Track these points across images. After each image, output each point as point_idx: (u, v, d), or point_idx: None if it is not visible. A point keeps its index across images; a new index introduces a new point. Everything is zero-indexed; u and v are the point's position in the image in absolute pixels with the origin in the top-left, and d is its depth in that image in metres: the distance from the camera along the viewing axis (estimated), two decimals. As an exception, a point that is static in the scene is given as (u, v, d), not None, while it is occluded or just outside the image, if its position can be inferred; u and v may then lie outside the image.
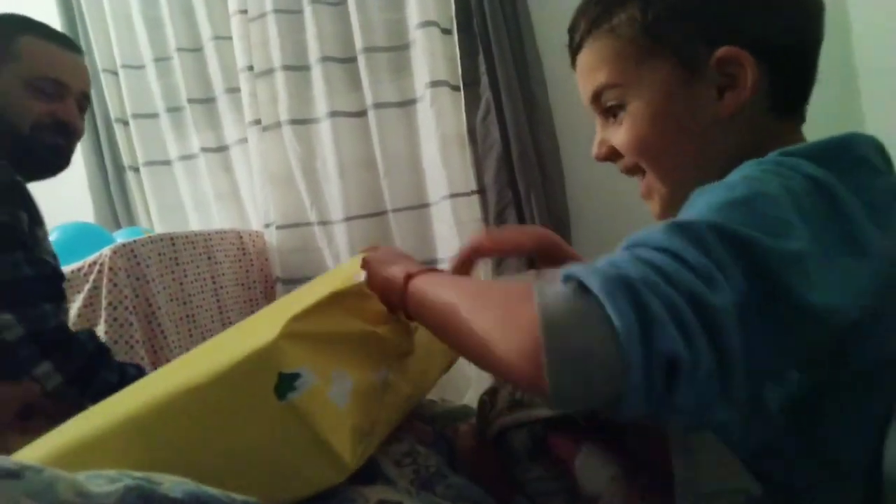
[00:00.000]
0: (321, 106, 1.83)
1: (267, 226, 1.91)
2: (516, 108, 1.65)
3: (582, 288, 0.35)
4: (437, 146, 1.73)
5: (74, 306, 1.43)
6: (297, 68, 1.85)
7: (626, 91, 0.59)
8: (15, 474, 0.30)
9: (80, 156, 2.17)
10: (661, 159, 0.59)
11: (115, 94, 2.11)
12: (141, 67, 2.09)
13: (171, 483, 0.33)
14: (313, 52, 1.81)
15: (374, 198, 1.84)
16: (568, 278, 0.37)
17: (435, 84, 1.71)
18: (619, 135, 0.60)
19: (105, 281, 1.41)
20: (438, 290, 0.47)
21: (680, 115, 0.57)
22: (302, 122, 1.86)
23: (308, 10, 1.80)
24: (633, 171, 0.63)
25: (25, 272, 0.84)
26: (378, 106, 1.78)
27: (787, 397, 0.46)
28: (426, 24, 1.71)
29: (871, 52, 1.39)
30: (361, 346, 0.48)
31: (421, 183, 1.82)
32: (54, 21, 2.12)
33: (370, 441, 0.46)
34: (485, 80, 1.68)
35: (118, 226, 2.15)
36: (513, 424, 0.52)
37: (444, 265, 1.80)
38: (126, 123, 2.12)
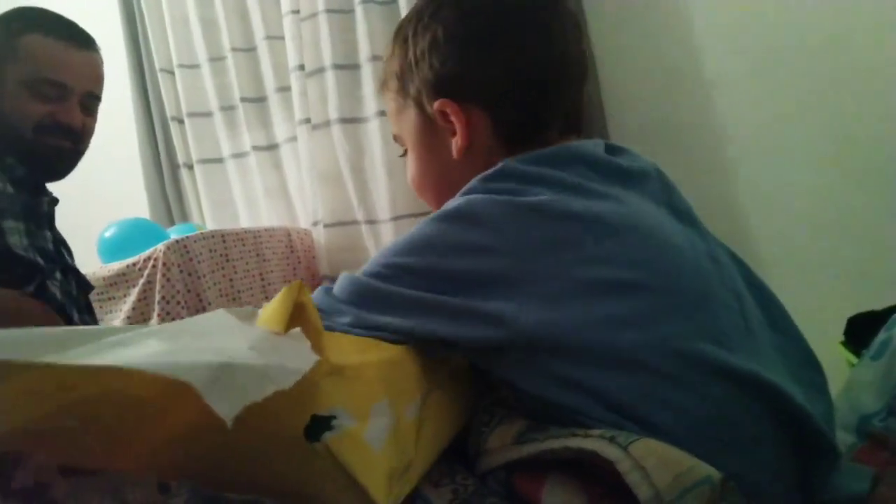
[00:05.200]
0: (370, 105, 1.83)
1: (315, 224, 1.93)
2: (567, 107, 1.62)
3: None
4: (486, 146, 1.71)
5: (129, 300, 1.47)
6: (347, 67, 1.86)
7: (401, 140, 0.69)
8: (90, 473, 0.32)
9: (136, 153, 2.25)
10: (426, 195, 0.70)
11: (171, 93, 2.17)
12: (196, 67, 2.14)
13: (233, 495, 0.34)
14: (363, 51, 1.82)
15: (421, 197, 1.84)
16: None
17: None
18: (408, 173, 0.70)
19: (159, 276, 1.45)
20: None
21: (429, 159, 0.66)
22: (351, 121, 1.87)
23: (359, 10, 1.81)
24: None
25: None
26: (427, 105, 1.78)
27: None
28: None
29: (719, 64, 1.49)
30: (393, 373, 0.48)
31: (468, 183, 1.81)
32: (115, 23, 2.19)
33: (406, 481, 0.45)
34: (535, 78, 1.65)
35: (172, 222, 2.21)
36: (484, 471, 0.51)
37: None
38: (181, 122, 2.17)
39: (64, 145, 1.01)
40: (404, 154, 0.70)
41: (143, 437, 0.32)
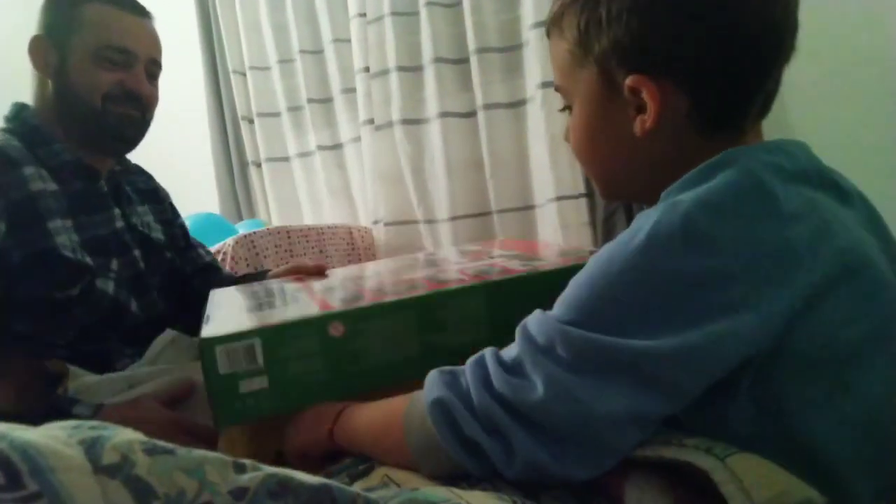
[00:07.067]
0: (432, 106, 1.86)
1: (375, 222, 1.97)
2: (631, 109, 1.59)
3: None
4: (546, 147, 1.70)
5: (200, 291, 1.54)
6: (411, 69, 1.89)
7: (568, 95, 0.62)
8: (170, 451, 0.34)
9: (209, 151, 2.35)
10: (590, 164, 0.63)
11: (242, 94, 2.26)
12: (267, 69, 2.23)
13: (304, 476, 0.36)
14: (427, 53, 1.85)
15: (480, 198, 1.85)
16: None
17: (546, 84, 1.68)
18: (570, 131, 0.64)
19: (227, 269, 1.51)
20: (354, 430, 0.63)
21: (601, 127, 0.59)
22: (413, 122, 1.90)
23: (423, 12, 1.84)
24: None
25: None
26: (488, 107, 1.78)
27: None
28: (541, 24, 1.69)
29: (792, 69, 1.36)
30: None
31: (527, 184, 1.81)
32: (192, 27, 2.30)
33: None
34: (599, 80, 1.63)
35: (240, 218, 2.30)
36: None
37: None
38: (251, 121, 2.26)
39: (133, 114, 0.99)
40: (564, 109, 0.64)
41: None
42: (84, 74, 0.95)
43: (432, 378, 0.53)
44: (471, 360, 0.53)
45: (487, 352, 0.52)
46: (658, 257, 0.46)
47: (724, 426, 0.47)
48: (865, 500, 0.46)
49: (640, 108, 0.55)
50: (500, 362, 0.50)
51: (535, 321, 0.50)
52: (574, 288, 0.50)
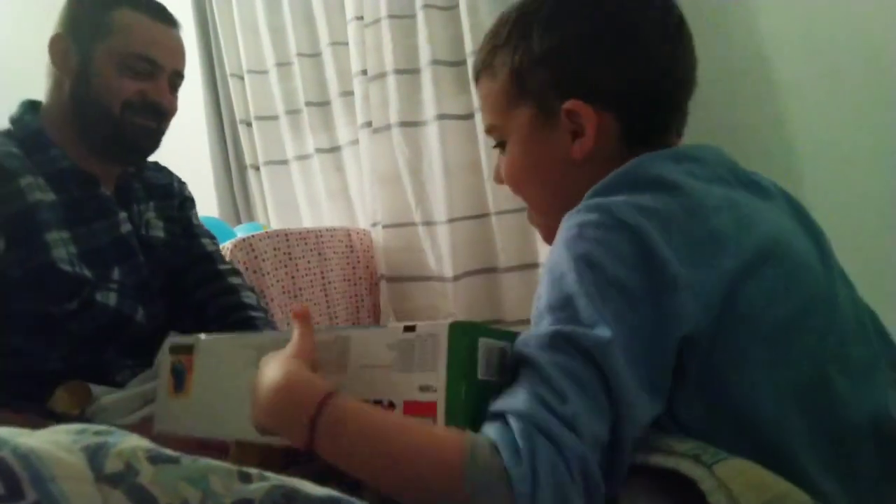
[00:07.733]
0: (429, 109, 1.86)
1: (374, 225, 1.97)
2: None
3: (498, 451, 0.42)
4: (544, 149, 1.70)
5: (199, 295, 1.54)
6: (408, 72, 1.89)
7: (503, 131, 0.67)
8: (174, 460, 0.34)
9: (207, 154, 2.35)
10: (529, 193, 0.69)
11: (240, 98, 2.26)
12: (264, 72, 2.23)
13: (311, 487, 0.36)
14: (424, 56, 1.85)
15: (478, 200, 1.85)
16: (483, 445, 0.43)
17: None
18: (503, 166, 0.68)
19: (226, 273, 1.51)
20: (354, 435, 0.46)
21: (540, 156, 0.64)
22: (411, 124, 1.90)
23: (420, 15, 1.84)
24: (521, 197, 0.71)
25: None
26: (485, 109, 1.79)
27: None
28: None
29: (789, 67, 1.46)
30: None
31: (526, 186, 1.81)
32: (189, 30, 2.30)
33: None
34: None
35: (239, 221, 2.30)
36: None
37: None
38: (249, 125, 2.26)
39: (150, 125, 0.98)
40: (497, 146, 0.69)
41: None
42: (106, 80, 0.93)
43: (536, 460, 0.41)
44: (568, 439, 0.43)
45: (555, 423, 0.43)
46: (594, 248, 0.50)
47: (681, 420, 0.50)
48: (817, 475, 0.48)
49: (577, 133, 0.61)
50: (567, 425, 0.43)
51: (536, 344, 0.47)
52: (541, 296, 0.52)
